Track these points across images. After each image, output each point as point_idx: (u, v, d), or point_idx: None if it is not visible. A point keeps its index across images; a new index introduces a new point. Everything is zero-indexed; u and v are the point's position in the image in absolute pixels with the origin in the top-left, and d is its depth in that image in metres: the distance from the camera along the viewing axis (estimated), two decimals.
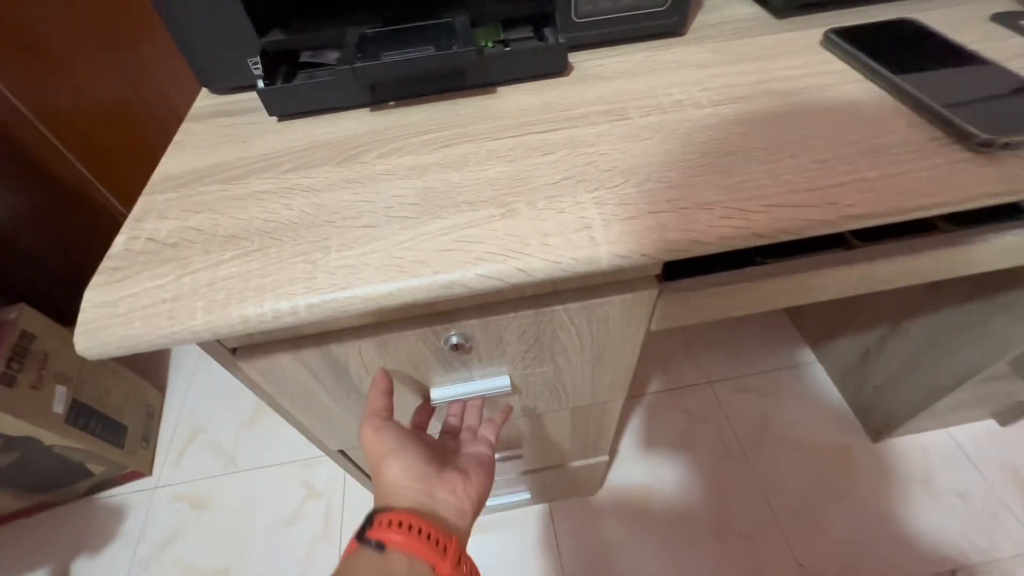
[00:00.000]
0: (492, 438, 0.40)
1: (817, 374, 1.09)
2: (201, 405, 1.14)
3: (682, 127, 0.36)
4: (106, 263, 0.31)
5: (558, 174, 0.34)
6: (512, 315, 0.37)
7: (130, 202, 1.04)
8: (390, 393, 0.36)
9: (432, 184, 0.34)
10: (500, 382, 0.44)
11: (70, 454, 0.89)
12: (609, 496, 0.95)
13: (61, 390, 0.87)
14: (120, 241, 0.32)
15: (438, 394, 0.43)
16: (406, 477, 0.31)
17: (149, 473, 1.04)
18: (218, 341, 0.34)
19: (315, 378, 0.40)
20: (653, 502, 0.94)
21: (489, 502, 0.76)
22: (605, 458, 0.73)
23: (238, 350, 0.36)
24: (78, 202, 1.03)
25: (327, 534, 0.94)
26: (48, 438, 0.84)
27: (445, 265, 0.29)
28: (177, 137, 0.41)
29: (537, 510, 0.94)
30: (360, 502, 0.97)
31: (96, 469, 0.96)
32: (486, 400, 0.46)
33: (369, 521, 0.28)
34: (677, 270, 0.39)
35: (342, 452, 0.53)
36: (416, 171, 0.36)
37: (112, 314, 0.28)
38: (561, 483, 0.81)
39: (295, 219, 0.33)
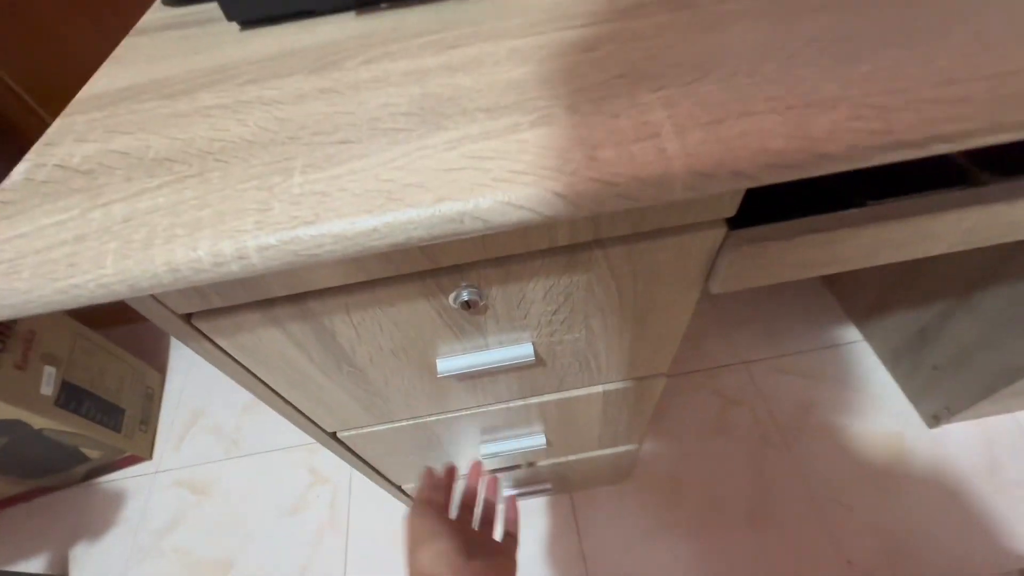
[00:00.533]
0: (516, 531, 0.43)
1: (864, 354, 1.00)
2: (203, 387, 1.09)
3: (775, 10, 0.27)
4: None
5: (607, 72, 0.25)
6: (539, 263, 0.29)
7: None
8: (445, 488, 0.40)
9: (434, 90, 0.26)
10: (521, 351, 0.36)
11: (63, 438, 0.84)
12: (634, 484, 0.87)
13: (49, 371, 0.82)
14: (20, 170, 0.25)
15: (446, 365, 0.35)
16: (439, 564, 0.33)
17: (149, 457, 0.99)
18: (162, 304, 0.27)
19: (297, 346, 0.32)
20: (682, 491, 0.86)
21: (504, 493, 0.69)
22: (635, 446, 0.65)
23: (195, 316, 0.29)
24: None
25: (333, 523, 0.88)
26: (38, 421, 0.79)
27: (452, 190, 0.21)
28: (115, 52, 0.33)
29: (558, 498, 0.87)
30: (368, 489, 0.91)
31: (92, 453, 0.91)
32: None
33: None
34: (743, 219, 0.30)
35: (335, 436, 0.45)
36: (413, 76, 0.27)
37: None
38: (585, 473, 0.74)
39: (250, 136, 0.25)
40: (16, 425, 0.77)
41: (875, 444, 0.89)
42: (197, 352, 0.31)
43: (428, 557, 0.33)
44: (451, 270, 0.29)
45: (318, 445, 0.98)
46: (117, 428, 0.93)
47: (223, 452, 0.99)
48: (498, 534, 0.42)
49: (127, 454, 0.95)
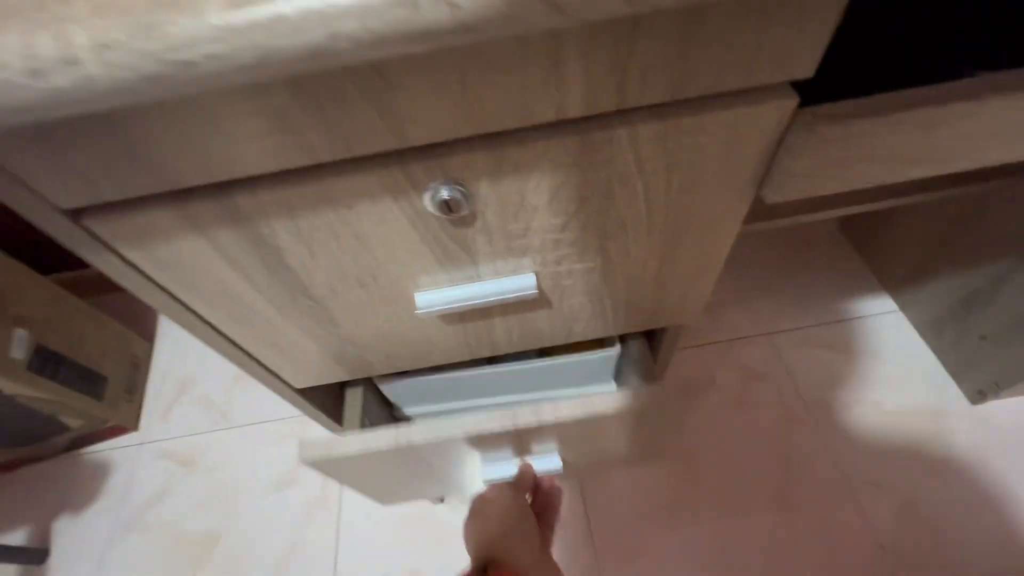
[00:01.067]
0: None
1: (898, 325, 0.92)
2: (192, 355, 1.04)
3: None
4: None
5: None
6: (543, 144, 0.21)
7: None
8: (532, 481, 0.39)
9: None
10: (520, 282, 0.29)
11: (38, 405, 0.79)
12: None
13: (20, 334, 0.76)
14: None
15: (426, 299, 0.28)
16: (526, 543, 0.33)
17: (135, 428, 0.94)
18: (32, 191, 0.20)
19: (233, 266, 0.25)
20: (701, 469, 0.79)
21: None
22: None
23: (85, 214, 0.22)
24: None
25: (324, 501, 0.83)
26: (8, 387, 0.73)
27: None
28: None
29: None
30: None
31: (73, 423, 0.86)
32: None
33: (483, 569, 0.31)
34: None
35: (303, 394, 0.39)
36: None
37: None
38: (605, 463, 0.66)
39: None
40: None
41: (911, 421, 0.81)
42: (103, 269, 0.24)
43: (518, 532, 0.33)
44: (424, 153, 0.21)
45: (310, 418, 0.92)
46: (99, 396, 0.88)
47: (212, 423, 0.94)
48: None
49: (111, 424, 0.91)
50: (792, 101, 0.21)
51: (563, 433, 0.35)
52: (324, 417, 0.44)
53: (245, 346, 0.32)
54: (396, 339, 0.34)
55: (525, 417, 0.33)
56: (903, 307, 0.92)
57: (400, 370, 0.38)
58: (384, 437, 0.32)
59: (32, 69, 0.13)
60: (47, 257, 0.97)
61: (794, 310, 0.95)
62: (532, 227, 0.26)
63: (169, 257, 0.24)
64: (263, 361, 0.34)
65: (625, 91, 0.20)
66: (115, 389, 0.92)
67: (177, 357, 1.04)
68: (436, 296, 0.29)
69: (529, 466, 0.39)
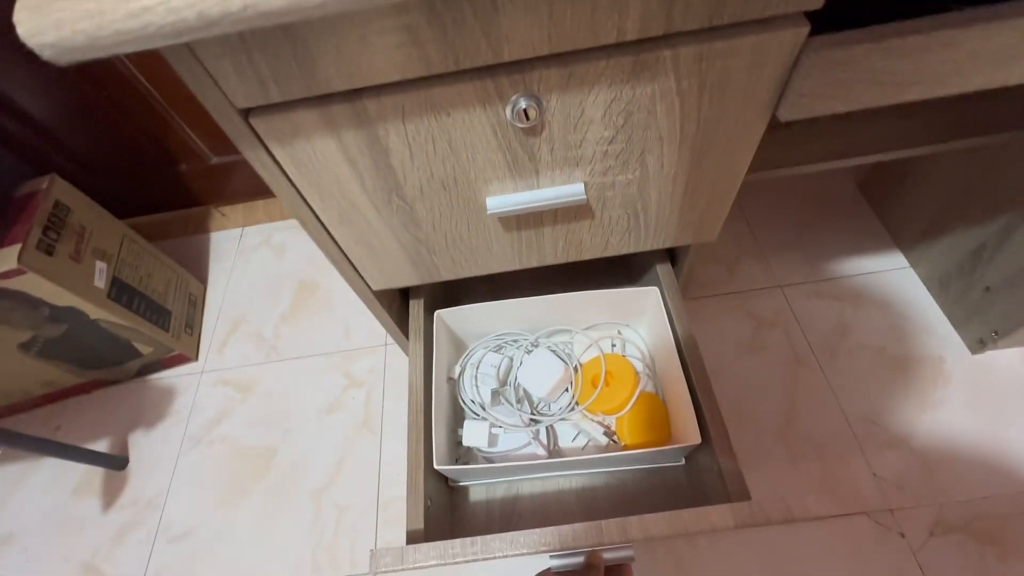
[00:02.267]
0: None
1: (908, 280, 0.96)
2: (241, 298, 1.13)
3: None
4: None
5: None
6: (604, 63, 0.27)
7: (180, 108, 0.97)
8: None
9: None
10: (572, 189, 0.35)
11: (117, 331, 0.89)
12: None
13: (101, 266, 0.85)
14: None
15: (496, 201, 0.35)
16: None
17: (195, 358, 1.05)
18: (222, 92, 0.26)
19: (351, 164, 0.32)
20: None
21: None
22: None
23: (253, 113, 0.28)
24: (130, 105, 0.97)
25: (367, 423, 0.93)
26: (93, 311, 0.83)
27: None
28: None
29: None
30: (400, 391, 0.95)
31: (144, 349, 0.96)
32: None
33: None
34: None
35: (378, 297, 0.46)
36: None
37: None
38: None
39: None
40: (73, 313, 0.82)
41: (913, 367, 0.87)
42: (255, 163, 0.31)
43: None
44: (511, 68, 0.28)
45: (352, 352, 1.02)
46: (165, 327, 0.98)
47: (263, 356, 1.04)
48: None
49: (175, 352, 1.01)
50: (805, 29, 0.27)
51: (646, 545, 0.36)
52: (391, 323, 0.51)
53: (342, 244, 0.39)
54: (462, 243, 0.41)
55: (610, 533, 0.32)
56: (913, 263, 0.97)
57: (462, 275, 0.45)
58: (460, 549, 0.32)
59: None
60: (122, 203, 1.06)
61: (807, 265, 1.00)
62: (587, 138, 0.32)
63: (305, 155, 0.31)
64: (353, 260, 0.41)
65: (672, 18, 0.26)
66: (177, 322, 1.02)
67: (228, 299, 1.13)
68: (504, 199, 0.35)
69: (598, 555, 0.36)
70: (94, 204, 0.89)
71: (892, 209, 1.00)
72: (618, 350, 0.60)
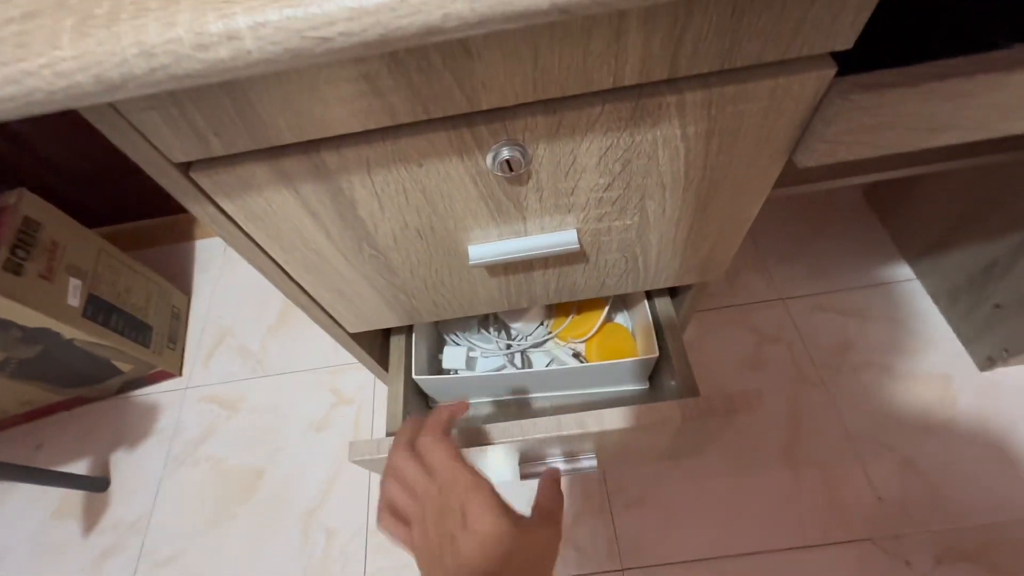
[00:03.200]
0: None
1: (914, 293, 0.93)
2: (227, 310, 1.09)
3: None
4: None
5: None
6: (599, 110, 0.24)
7: None
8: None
9: None
10: (564, 238, 0.31)
11: (94, 349, 0.86)
12: None
13: (75, 283, 0.82)
14: None
15: (479, 251, 0.31)
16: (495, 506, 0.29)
17: (179, 374, 1.01)
18: (153, 147, 0.23)
19: (312, 216, 0.28)
20: None
21: None
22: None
23: (194, 167, 0.25)
24: None
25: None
26: (67, 331, 0.79)
27: None
28: None
29: None
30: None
31: (124, 367, 0.93)
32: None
33: None
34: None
35: (355, 339, 0.43)
36: None
37: None
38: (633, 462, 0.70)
39: None
40: (46, 334, 0.78)
41: (919, 385, 0.84)
42: (202, 218, 0.28)
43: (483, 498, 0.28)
44: (491, 116, 0.24)
45: (340, 368, 0.98)
46: (146, 344, 0.94)
47: (250, 371, 1.01)
48: None
49: (158, 369, 0.97)
50: (831, 71, 0.23)
51: (602, 440, 0.38)
52: (371, 361, 0.48)
53: (311, 291, 0.36)
54: (444, 288, 0.37)
55: (569, 427, 0.35)
56: (920, 276, 0.93)
57: (444, 318, 0.42)
58: None
59: (199, 43, 0.15)
60: (101, 211, 1.02)
61: (811, 278, 0.97)
62: (579, 186, 0.29)
63: (259, 208, 0.27)
64: (324, 306, 0.38)
65: (678, 61, 0.22)
66: (159, 337, 0.98)
67: (214, 310, 1.10)
68: (487, 249, 0.32)
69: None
70: (67, 218, 0.85)
71: (900, 219, 0.97)
72: None
